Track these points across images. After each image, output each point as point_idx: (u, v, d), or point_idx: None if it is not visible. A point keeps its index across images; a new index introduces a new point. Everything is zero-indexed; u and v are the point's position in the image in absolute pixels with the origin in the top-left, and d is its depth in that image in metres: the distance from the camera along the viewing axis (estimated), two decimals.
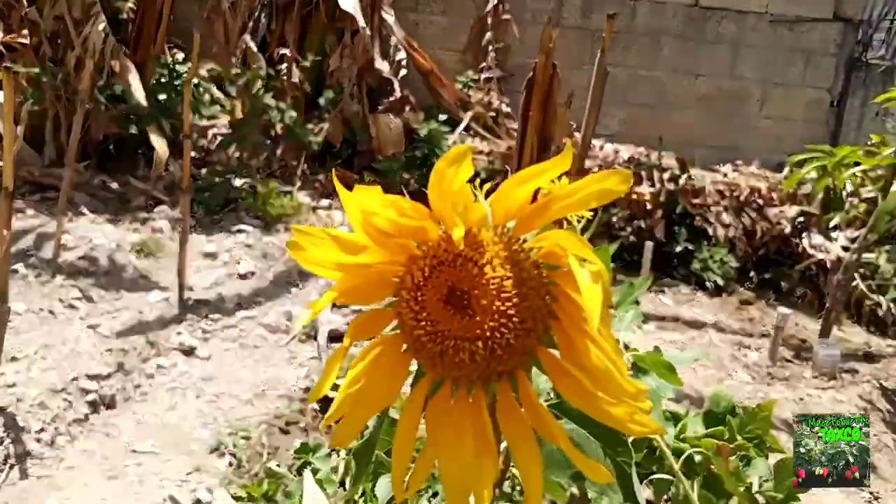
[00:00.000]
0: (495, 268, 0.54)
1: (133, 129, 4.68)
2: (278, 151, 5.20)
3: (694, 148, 5.71)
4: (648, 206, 4.86)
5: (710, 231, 4.80)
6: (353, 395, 0.60)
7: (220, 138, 5.11)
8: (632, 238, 4.75)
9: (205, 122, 5.14)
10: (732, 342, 3.85)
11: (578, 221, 1.83)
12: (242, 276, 3.78)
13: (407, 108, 5.44)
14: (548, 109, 0.77)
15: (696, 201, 4.91)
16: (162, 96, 4.74)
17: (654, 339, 3.76)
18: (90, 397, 2.55)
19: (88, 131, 4.53)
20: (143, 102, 4.52)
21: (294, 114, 5.07)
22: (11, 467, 2.17)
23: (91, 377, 2.63)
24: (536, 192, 0.57)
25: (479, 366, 0.55)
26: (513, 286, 0.54)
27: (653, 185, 4.95)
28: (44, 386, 2.50)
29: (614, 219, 4.80)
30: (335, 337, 3.13)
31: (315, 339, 3.20)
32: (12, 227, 3.80)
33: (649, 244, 4.43)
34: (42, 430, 2.31)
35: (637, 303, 1.96)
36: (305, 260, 0.58)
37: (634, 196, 4.87)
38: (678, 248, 4.75)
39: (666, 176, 4.96)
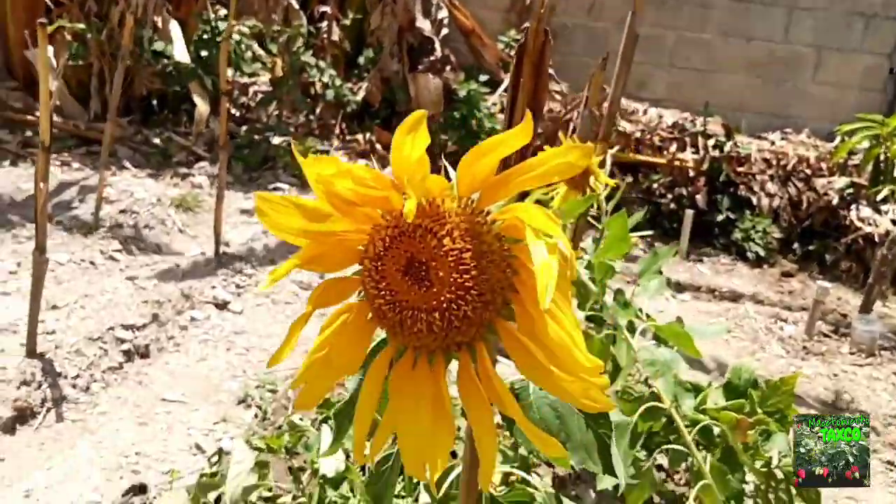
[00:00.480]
0: (455, 239, 0.54)
1: (175, 86, 4.74)
2: (317, 110, 5.21)
3: (742, 114, 5.54)
4: (691, 173, 4.75)
5: (754, 200, 4.68)
6: (319, 361, 0.60)
7: (260, 96, 5.14)
8: (672, 205, 4.67)
9: (246, 80, 5.18)
10: (769, 314, 3.77)
11: (605, 188, 1.79)
12: None
13: (447, 68, 5.38)
14: (539, 77, 0.75)
15: (740, 169, 4.78)
16: (204, 53, 4.78)
17: (688, 308, 3.71)
18: (125, 346, 2.64)
19: (131, 87, 4.61)
20: (186, 59, 4.57)
21: (333, 72, 5.07)
22: (48, 410, 2.27)
23: (127, 327, 2.72)
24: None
25: (436, 336, 0.55)
26: (472, 258, 0.54)
27: (696, 152, 4.83)
28: (81, 334, 2.59)
29: (655, 185, 4.71)
30: None
31: None
32: (58, 179, 3.93)
33: (689, 212, 4.35)
34: (78, 376, 2.41)
35: (660, 272, 1.92)
36: (271, 226, 0.58)
37: (677, 162, 4.76)
38: (719, 217, 4.65)
39: (710, 142, 4.83)
